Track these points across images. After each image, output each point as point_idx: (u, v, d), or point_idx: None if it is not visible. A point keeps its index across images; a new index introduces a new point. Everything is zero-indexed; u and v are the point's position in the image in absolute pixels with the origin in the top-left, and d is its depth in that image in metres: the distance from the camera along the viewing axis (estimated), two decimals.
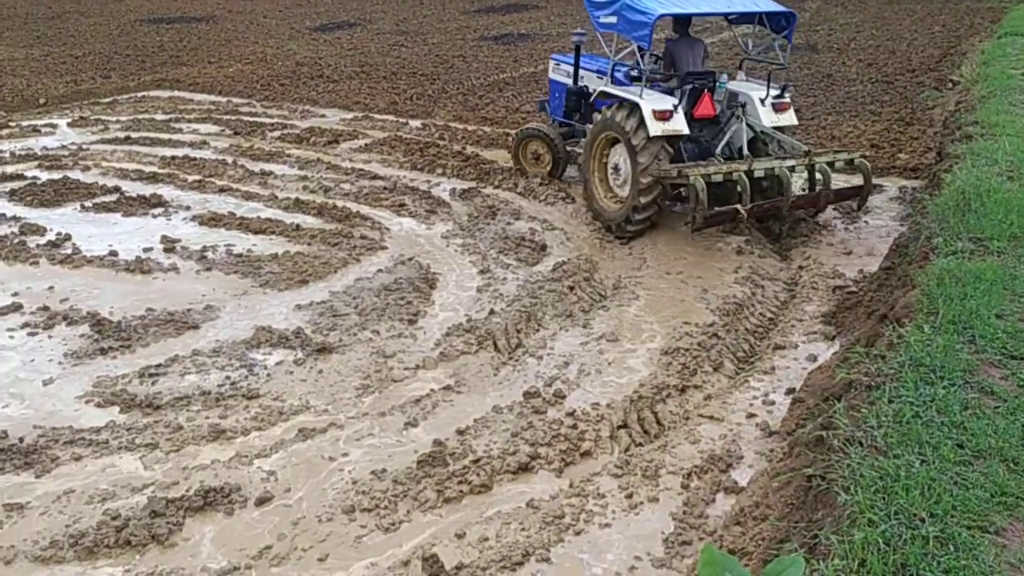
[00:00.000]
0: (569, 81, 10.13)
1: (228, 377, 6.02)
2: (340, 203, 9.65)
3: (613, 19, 8.63)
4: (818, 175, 8.38)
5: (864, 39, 20.15)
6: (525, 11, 27.66)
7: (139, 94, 16.03)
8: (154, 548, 4.35)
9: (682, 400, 5.72)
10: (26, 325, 6.74)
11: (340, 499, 4.73)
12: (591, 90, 9.69)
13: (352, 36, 22.98)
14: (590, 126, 9.13)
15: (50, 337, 6.59)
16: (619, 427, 5.42)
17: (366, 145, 12.14)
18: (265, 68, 18.37)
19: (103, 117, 13.85)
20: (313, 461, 5.09)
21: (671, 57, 9.05)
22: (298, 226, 8.91)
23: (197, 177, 10.61)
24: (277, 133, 12.77)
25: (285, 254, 8.22)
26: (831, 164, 8.29)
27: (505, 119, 13.51)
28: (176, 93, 16.14)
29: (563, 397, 5.77)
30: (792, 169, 8.19)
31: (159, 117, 13.94)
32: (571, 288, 7.47)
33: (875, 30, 21.50)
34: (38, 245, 8.36)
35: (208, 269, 7.91)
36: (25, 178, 10.44)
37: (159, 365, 6.17)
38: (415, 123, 13.43)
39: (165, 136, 12.63)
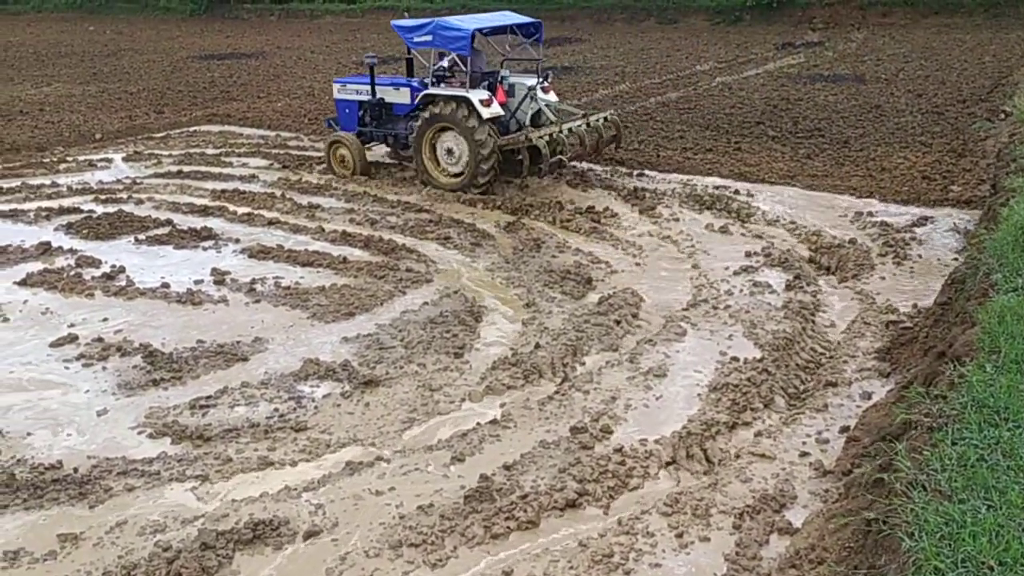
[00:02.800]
0: (357, 98, 12.30)
1: (276, 409, 6.07)
2: (386, 236, 9.75)
3: (428, 38, 11.01)
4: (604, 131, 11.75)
5: (913, 69, 19.92)
6: (568, 44, 27.87)
7: (191, 129, 16.42)
8: None
9: (732, 437, 5.62)
10: (81, 356, 6.88)
11: (387, 534, 4.72)
12: (386, 101, 12.12)
13: (396, 70, 23.32)
14: (382, 130, 12.11)
15: (104, 368, 6.71)
16: (668, 464, 5.35)
17: (411, 178, 12.25)
18: (312, 102, 18.72)
19: (156, 151, 14.20)
20: (360, 495, 5.09)
21: (465, 63, 11.15)
22: (345, 259, 9.01)
23: (246, 210, 10.80)
24: (324, 166, 12.95)
25: (332, 286, 8.30)
26: (601, 120, 11.76)
27: None
28: (226, 128, 16.51)
29: (610, 432, 5.71)
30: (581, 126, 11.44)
31: (210, 151, 14.26)
32: (617, 322, 7.43)
33: (924, 60, 21.25)
34: (93, 277, 8.55)
35: (257, 301, 8.02)
36: (81, 211, 10.73)
37: (209, 397, 6.25)
38: None
39: (216, 170, 12.90)
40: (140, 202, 11.20)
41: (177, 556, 4.46)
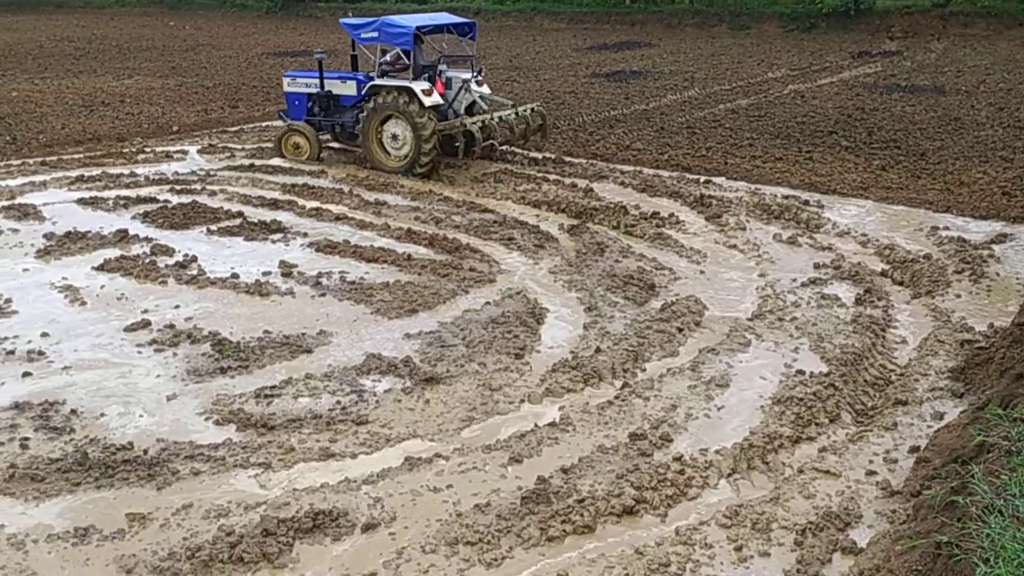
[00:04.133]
0: (306, 91, 13.37)
1: (339, 402, 6.16)
2: (451, 235, 9.81)
3: (375, 34, 12.21)
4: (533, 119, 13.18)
5: (995, 81, 19.26)
6: (637, 48, 27.70)
7: (263, 124, 16.75)
8: (265, 567, 4.46)
9: (796, 452, 5.51)
10: (154, 342, 7.09)
11: (444, 531, 4.74)
12: (334, 93, 13.18)
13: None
14: (330, 119, 13.22)
15: (175, 354, 6.90)
16: (728, 475, 5.27)
17: (477, 177, 12.33)
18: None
19: (230, 145, 14.54)
20: (418, 491, 5.13)
21: (409, 57, 12.28)
22: (409, 256, 9.10)
23: (315, 205, 10.99)
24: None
25: (396, 283, 8.39)
26: (528, 111, 13.15)
27: (616, 155, 13.50)
28: None
29: (670, 440, 5.65)
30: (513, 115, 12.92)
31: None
32: (679, 330, 7.35)
33: (1007, 72, 20.53)
34: (167, 265, 8.80)
35: (323, 295, 8.15)
36: (157, 201, 11.05)
37: (274, 387, 6.37)
38: (526, 157, 13.56)
39: (286, 165, 13.15)
40: (213, 194, 11.49)
41: (240, 541, 4.56)
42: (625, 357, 6.81)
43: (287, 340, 7.14)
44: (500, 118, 12.73)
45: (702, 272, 8.77)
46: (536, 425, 5.85)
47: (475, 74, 13.16)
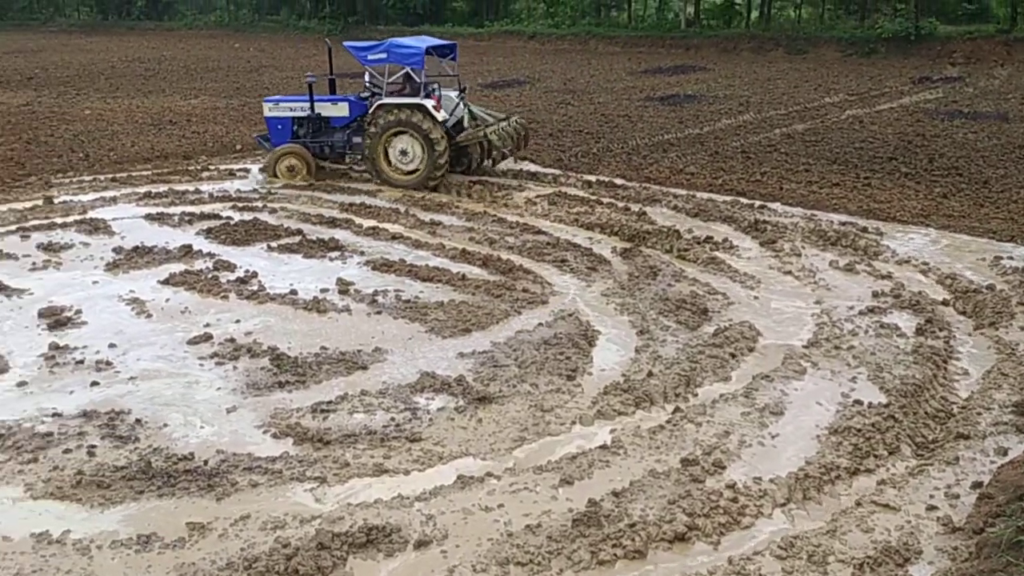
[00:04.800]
0: (291, 114, 13.73)
1: (393, 419, 6.24)
2: (504, 256, 9.89)
3: (383, 55, 12.76)
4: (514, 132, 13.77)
5: None
6: (692, 72, 27.66)
7: None
8: None
9: (853, 483, 5.42)
10: (215, 355, 7.27)
11: (495, 550, 4.77)
12: (324, 115, 13.59)
13: (521, 93, 23.72)
14: (317, 141, 13.62)
15: (235, 368, 7.07)
16: (782, 505, 5.21)
17: (531, 200, 12.42)
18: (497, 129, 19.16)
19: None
20: (470, 509, 5.17)
21: (419, 76, 12.97)
22: (464, 276, 9.20)
23: (372, 224, 11.17)
24: (447, 184, 13.25)
25: (451, 302, 8.48)
26: (517, 124, 13.96)
27: (669, 179, 13.49)
28: None
29: (723, 468, 5.60)
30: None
31: (340, 167, 14.82)
32: (732, 356, 7.30)
33: None
34: (228, 280, 9.03)
35: (378, 312, 8.28)
36: (220, 218, 11.36)
37: (330, 402, 6.48)
38: (579, 180, 13.63)
39: (344, 184, 13.41)
40: (274, 211, 11.77)
41: (295, 553, 4.65)
42: (677, 381, 6.79)
43: (343, 356, 7.27)
44: (503, 129, 13.47)
45: (756, 298, 8.70)
46: (588, 448, 5.85)
47: (460, 92, 13.82)
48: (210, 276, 9.13)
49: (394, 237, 10.67)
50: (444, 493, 5.31)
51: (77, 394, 6.56)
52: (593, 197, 12.54)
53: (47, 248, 10.05)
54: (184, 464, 5.57)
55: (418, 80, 12.93)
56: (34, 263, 9.58)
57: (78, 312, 8.13)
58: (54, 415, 6.20)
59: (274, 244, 10.31)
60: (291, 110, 13.73)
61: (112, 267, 9.46)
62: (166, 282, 8.95)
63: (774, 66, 29.27)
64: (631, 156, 15.25)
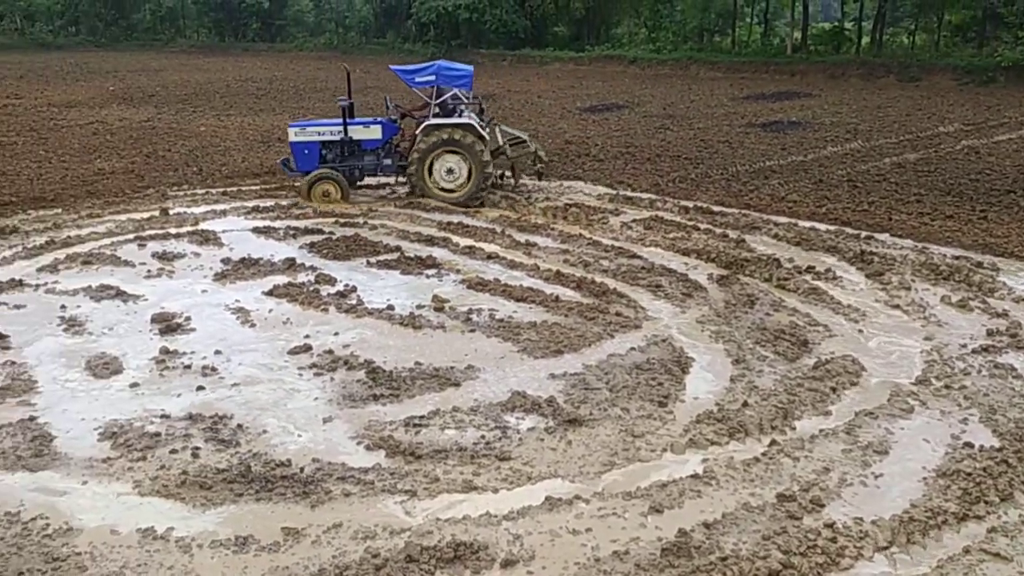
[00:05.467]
0: (319, 138, 13.74)
1: (483, 436, 6.28)
2: (598, 279, 9.85)
3: (431, 78, 13.25)
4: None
5: None
6: (797, 99, 27.06)
7: None
8: None
9: (961, 530, 5.15)
10: (313, 365, 7.48)
11: (582, 575, 4.72)
12: (355, 138, 13.82)
13: (620, 118, 23.69)
14: (346, 164, 13.85)
15: (332, 379, 7.25)
16: (884, 548, 4.98)
17: (627, 224, 12.35)
18: (536, 144, 19.32)
19: (390, 181, 15.22)
20: (557, 531, 5.14)
21: (468, 97, 14.12)
22: (557, 297, 9.20)
23: (468, 243, 11.32)
24: (543, 206, 13.35)
25: (543, 323, 8.50)
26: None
27: (770, 207, 13.20)
28: None
29: (821, 505, 5.40)
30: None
31: None
32: (833, 390, 7.05)
33: None
34: (328, 294, 9.29)
35: (472, 330, 8.36)
36: (323, 232, 11.72)
37: (422, 417, 6.57)
38: (676, 205, 13.49)
39: (442, 203, 13.63)
40: (374, 228, 12.06)
41: (384, 564, 4.72)
42: (774, 413, 6.60)
43: (436, 372, 7.36)
44: (537, 146, 14.56)
45: (860, 331, 8.39)
46: (679, 476, 5.74)
47: (481, 114, 14.42)
48: (311, 289, 9.41)
49: (490, 257, 10.77)
50: (532, 514, 5.30)
51: (184, 397, 6.85)
52: (690, 223, 12.38)
53: (161, 257, 10.57)
54: (281, 470, 5.73)
55: (468, 101, 13.78)
56: (149, 271, 10.09)
57: (187, 319, 8.50)
58: (162, 416, 6.50)
59: (373, 260, 10.56)
60: (319, 134, 13.80)
61: (220, 277, 9.87)
62: (270, 293, 9.28)
63: (885, 93, 28.36)
64: (730, 182, 15.00)
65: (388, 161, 13.92)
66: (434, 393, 7.02)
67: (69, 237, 11.38)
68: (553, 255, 10.89)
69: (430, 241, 11.42)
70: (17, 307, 8.79)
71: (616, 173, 16.01)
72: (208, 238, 11.41)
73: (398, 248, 10.99)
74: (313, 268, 10.16)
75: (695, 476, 5.76)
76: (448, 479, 5.70)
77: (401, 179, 14.14)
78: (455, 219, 12.52)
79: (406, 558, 4.77)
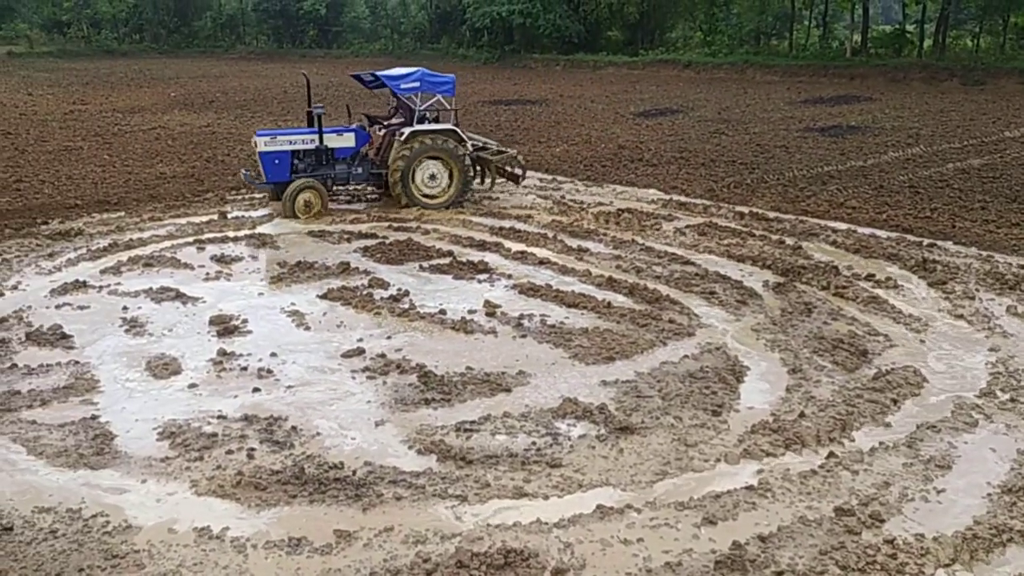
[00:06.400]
0: (291, 148, 13.18)
1: (534, 443, 6.25)
2: (651, 285, 9.76)
3: (416, 84, 13.28)
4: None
5: None
6: (856, 103, 26.52)
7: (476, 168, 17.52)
8: None
9: None
10: (366, 369, 7.54)
11: None
12: (330, 147, 13.42)
13: (673, 122, 23.49)
14: (318, 174, 13.29)
15: (384, 382, 7.30)
16: (947, 566, 4.82)
17: (680, 229, 12.23)
18: (589, 150, 19.31)
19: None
20: (608, 540, 5.09)
21: (451, 103, 14.04)
22: (609, 303, 9.14)
23: (520, 248, 11.31)
24: (596, 211, 13.29)
25: (595, 329, 8.44)
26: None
27: (828, 213, 12.95)
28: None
29: (881, 521, 5.25)
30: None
31: (492, 190, 15.13)
32: (894, 401, 6.87)
33: None
34: (382, 298, 9.36)
35: (523, 336, 8.34)
36: (377, 237, 11.83)
37: (473, 422, 6.57)
38: (731, 211, 13.31)
39: (494, 208, 13.68)
40: (427, 232, 12.14)
41: (435, 569, 4.72)
42: (832, 425, 6.45)
43: (487, 377, 7.36)
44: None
45: (922, 342, 8.17)
46: (733, 487, 5.64)
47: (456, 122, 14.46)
48: (365, 292, 9.50)
49: (541, 262, 10.75)
50: (583, 522, 5.25)
51: (240, 398, 6.96)
52: (745, 229, 12.21)
53: (219, 260, 10.78)
54: (334, 473, 5.79)
55: (450, 107, 13.92)
56: (207, 273, 10.30)
57: (244, 321, 8.65)
58: (219, 417, 6.61)
59: (426, 264, 10.62)
60: (291, 143, 13.20)
61: (276, 280, 10.03)
62: (324, 296, 9.39)
63: (948, 97, 27.63)
64: (787, 188, 14.76)
65: (359, 170, 13.67)
66: (485, 398, 7.02)
67: (131, 240, 11.68)
68: (605, 261, 10.82)
69: (482, 246, 11.45)
70: (81, 308, 9.04)
71: (669, 178, 15.88)
72: (265, 242, 11.61)
73: (450, 253, 11.03)
74: (367, 272, 10.26)
75: (750, 488, 5.65)
76: (499, 485, 5.69)
77: (372, 189, 14.13)
78: (507, 224, 12.53)
79: (457, 563, 4.77)
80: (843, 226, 12.20)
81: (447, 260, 10.74)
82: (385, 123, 14.20)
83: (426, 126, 13.47)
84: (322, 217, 12.94)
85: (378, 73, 13.95)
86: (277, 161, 13.10)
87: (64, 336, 8.18)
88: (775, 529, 5.15)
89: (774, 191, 14.53)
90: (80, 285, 9.69)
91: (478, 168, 14.28)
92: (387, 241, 11.60)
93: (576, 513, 5.34)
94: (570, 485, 5.70)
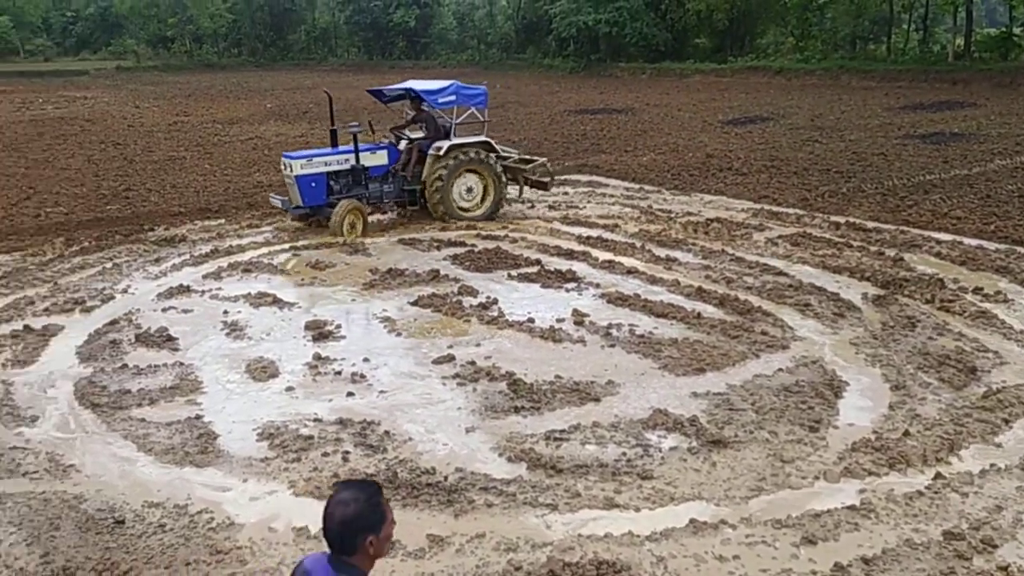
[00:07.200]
0: (326, 169, 12.76)
1: (624, 453, 6.19)
2: (742, 296, 9.56)
3: (452, 98, 13.16)
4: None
5: None
6: (959, 108, 25.46)
7: (562, 177, 17.52)
8: None
9: None
10: (456, 375, 7.60)
11: None
12: (365, 166, 13.05)
13: (764, 130, 23.01)
14: (352, 194, 12.89)
15: (474, 389, 7.34)
16: None
17: (772, 240, 11.95)
18: (676, 158, 19.09)
19: (531, 197, 15.38)
20: (702, 556, 4.99)
21: (483, 115, 13.91)
22: (699, 314, 8.99)
23: (608, 257, 11.25)
24: (684, 221, 13.11)
25: (684, 340, 8.32)
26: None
27: (931, 223, 12.45)
28: (594, 178, 17.42)
29: (994, 546, 5.00)
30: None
31: (578, 199, 15.13)
32: (1006, 421, 6.54)
33: None
34: (471, 305, 9.44)
35: (612, 345, 8.28)
36: (466, 245, 11.95)
37: (563, 431, 6.54)
38: (826, 221, 12.94)
39: (582, 217, 13.65)
40: (515, 241, 12.19)
41: None
42: (939, 444, 6.18)
43: (576, 386, 7.33)
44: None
45: None
46: (833, 506, 5.46)
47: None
48: (454, 300, 9.60)
49: (629, 271, 10.66)
50: (676, 536, 5.17)
51: (335, 402, 7.11)
52: (841, 239, 11.85)
53: (314, 266, 11.07)
54: (426, 478, 5.85)
55: (483, 119, 13.82)
56: (302, 279, 10.59)
57: (338, 326, 8.84)
58: (315, 420, 6.77)
59: (514, 272, 10.66)
60: (326, 164, 12.76)
61: (368, 286, 10.23)
62: (415, 303, 9.53)
63: None
64: (886, 197, 14.26)
65: (391, 187, 13.31)
66: (574, 407, 6.99)
67: (231, 246, 12.11)
68: (694, 271, 10.66)
69: (569, 255, 11.42)
70: (185, 311, 9.42)
71: (760, 187, 15.55)
72: (358, 249, 11.86)
73: (538, 261, 11.05)
74: (456, 279, 10.37)
75: (851, 507, 5.45)
76: (589, 495, 5.65)
77: (411, 207, 13.61)
78: (594, 233, 12.48)
79: (548, 573, 4.75)
80: (948, 237, 11.70)
81: (535, 269, 10.76)
82: (408, 137, 13.83)
83: (464, 139, 13.35)
84: (362, 239, 12.42)
85: (415, 87, 13.62)
86: (314, 184, 12.64)
87: (170, 338, 8.53)
88: (879, 552, 4.95)
89: (872, 200, 14.06)
90: (184, 289, 10.10)
91: (509, 178, 14.03)
92: (476, 249, 11.69)
93: (669, 526, 5.26)
94: (662, 497, 5.62)
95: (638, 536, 5.16)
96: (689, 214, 13.66)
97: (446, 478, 5.85)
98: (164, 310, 9.43)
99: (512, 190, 14.13)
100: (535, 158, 14.60)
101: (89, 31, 75.03)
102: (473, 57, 57.04)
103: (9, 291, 10.14)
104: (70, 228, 13.31)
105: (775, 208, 13.94)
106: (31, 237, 12.78)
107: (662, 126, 24.64)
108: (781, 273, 10.43)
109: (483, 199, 13.56)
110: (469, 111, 13.63)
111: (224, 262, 11.32)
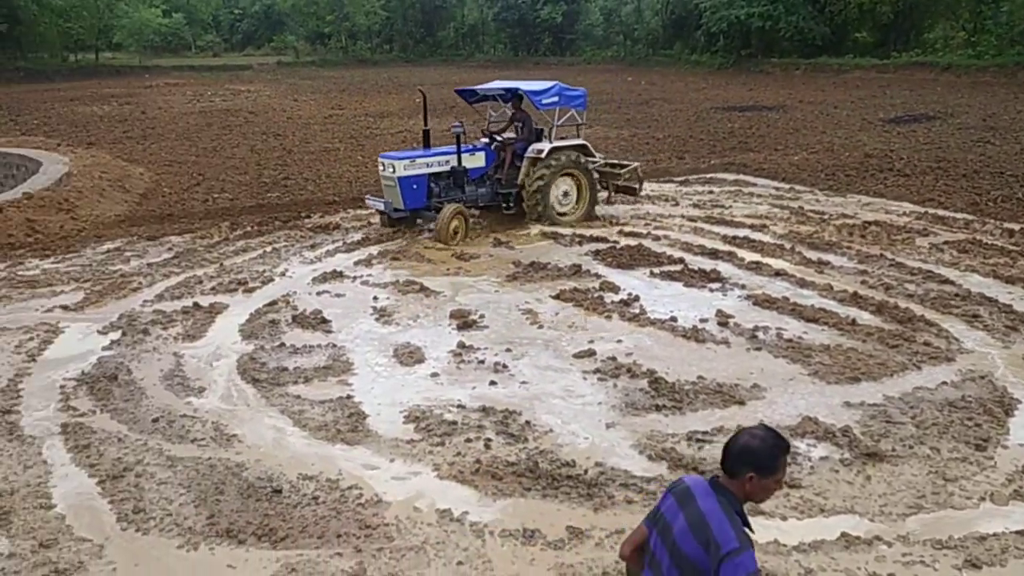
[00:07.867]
0: (427, 171, 12.40)
1: None
2: (902, 303, 9.05)
3: (555, 99, 12.86)
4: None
5: None
6: None
7: (707, 175, 17.17)
8: None
9: None
10: (597, 371, 7.58)
11: None
12: (466, 168, 12.68)
13: (930, 130, 21.68)
14: (451, 196, 12.57)
15: (615, 385, 7.30)
16: None
17: (937, 245, 11.25)
18: (831, 158, 18.28)
19: (673, 195, 15.13)
20: (854, 571, 4.77)
21: (582, 117, 13.70)
22: (853, 320, 8.58)
23: (755, 258, 10.91)
24: (838, 223, 12.55)
25: (837, 347, 7.96)
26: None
27: None
28: (741, 176, 16.93)
29: None
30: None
31: (724, 198, 14.75)
32: None
33: None
34: (612, 302, 9.38)
35: (758, 348, 8.03)
36: (608, 241, 11.89)
37: (705, 432, 6.41)
38: (999, 227, 12.05)
39: (728, 216, 13.29)
40: (658, 239, 12.02)
41: None
42: None
43: (720, 388, 7.16)
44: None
45: None
46: (1003, 531, 5.09)
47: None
48: (596, 295, 9.57)
49: (777, 273, 10.30)
50: (826, 549, 4.96)
51: (478, 390, 7.24)
52: (1016, 247, 11.01)
53: (459, 256, 11.31)
54: (566, 470, 5.86)
55: (582, 121, 13.57)
56: (448, 269, 10.84)
57: (481, 316, 9.00)
58: (459, 406, 6.92)
59: (656, 270, 10.51)
60: (427, 166, 12.39)
61: (511, 278, 10.35)
62: (557, 297, 9.56)
63: None
64: None
65: (485, 190, 12.93)
66: (717, 409, 6.83)
67: (381, 235, 12.54)
68: (849, 275, 10.18)
69: (714, 254, 11.16)
70: (337, 295, 9.83)
71: (925, 190, 14.67)
72: (500, 241, 12.02)
73: (681, 260, 10.85)
74: (597, 275, 10.33)
75: (1020, 533, 5.08)
76: None
77: (506, 210, 13.04)
78: (740, 233, 12.13)
79: None
80: None
81: (678, 267, 10.58)
82: (501, 138, 13.44)
83: (565, 142, 13.01)
84: (464, 243, 12.07)
85: (521, 88, 13.16)
86: (415, 186, 12.28)
87: (324, 320, 8.93)
88: None
89: None
90: (337, 275, 10.55)
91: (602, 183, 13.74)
92: (618, 245, 11.61)
93: (818, 539, 5.06)
94: (811, 508, 5.41)
95: (784, 546, 4.99)
96: (844, 216, 13.06)
97: (586, 472, 5.85)
98: (319, 294, 9.88)
99: (601, 194, 13.72)
100: (627, 163, 14.16)
101: (254, 28, 79.73)
102: (618, 53, 56.60)
103: (181, 270, 10.91)
104: (234, 213, 14.17)
105: (941, 212, 13.12)
106: (200, 220, 13.70)
107: (816, 124, 23.65)
108: (947, 281, 9.81)
109: (577, 202, 13.20)
110: (569, 113, 13.31)
111: (374, 250, 11.74)
